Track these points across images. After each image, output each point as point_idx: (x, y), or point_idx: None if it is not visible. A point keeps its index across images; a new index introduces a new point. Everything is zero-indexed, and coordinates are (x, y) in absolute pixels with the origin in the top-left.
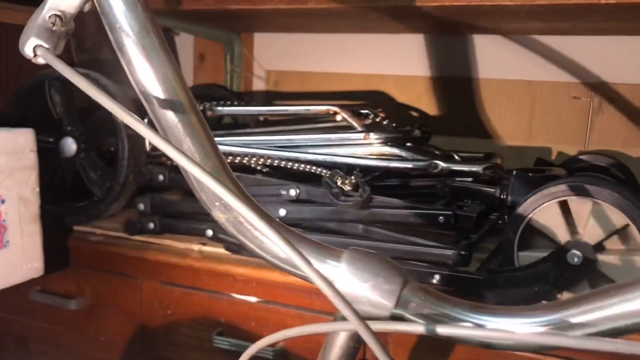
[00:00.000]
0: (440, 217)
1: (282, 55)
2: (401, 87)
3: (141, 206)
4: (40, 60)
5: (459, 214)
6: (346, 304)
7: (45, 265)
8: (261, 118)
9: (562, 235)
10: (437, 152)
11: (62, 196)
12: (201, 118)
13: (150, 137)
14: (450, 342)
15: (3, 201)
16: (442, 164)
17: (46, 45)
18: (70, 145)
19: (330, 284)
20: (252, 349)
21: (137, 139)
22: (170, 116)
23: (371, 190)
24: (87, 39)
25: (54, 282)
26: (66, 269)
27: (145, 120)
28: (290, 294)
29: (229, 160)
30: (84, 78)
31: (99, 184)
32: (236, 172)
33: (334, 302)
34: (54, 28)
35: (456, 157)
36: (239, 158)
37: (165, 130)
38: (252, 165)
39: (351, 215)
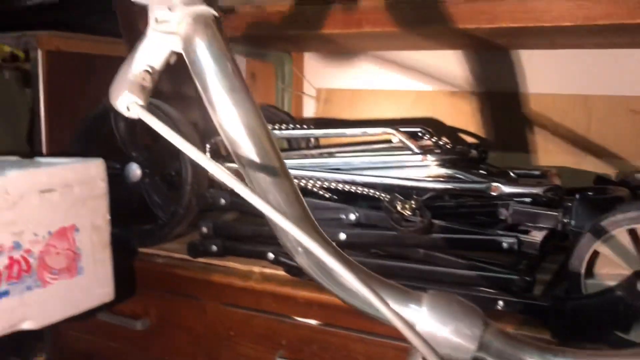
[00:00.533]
0: (504, 243)
1: (332, 73)
2: (452, 103)
3: (204, 229)
4: (133, 116)
5: (522, 240)
6: (430, 349)
7: (114, 289)
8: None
9: (632, 263)
10: (493, 171)
11: (128, 220)
12: (284, 165)
13: (240, 190)
14: None
15: (77, 230)
16: (502, 187)
17: (139, 102)
18: (135, 170)
19: (414, 330)
20: None
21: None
22: (256, 166)
23: (432, 214)
24: None
25: (121, 303)
26: (132, 288)
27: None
28: (351, 317)
29: None
30: (176, 134)
31: (162, 207)
32: None
33: (418, 347)
34: (144, 83)
35: (512, 175)
36: (295, 181)
37: (251, 178)
38: (309, 188)
39: (412, 240)
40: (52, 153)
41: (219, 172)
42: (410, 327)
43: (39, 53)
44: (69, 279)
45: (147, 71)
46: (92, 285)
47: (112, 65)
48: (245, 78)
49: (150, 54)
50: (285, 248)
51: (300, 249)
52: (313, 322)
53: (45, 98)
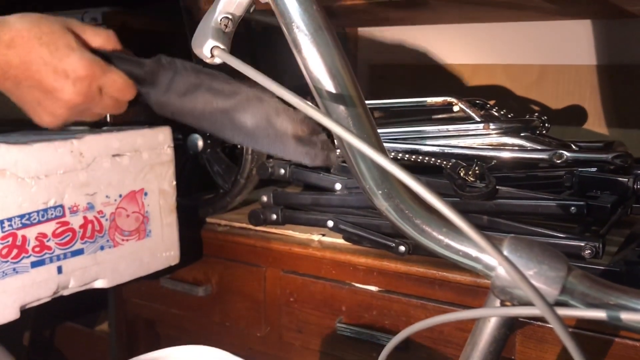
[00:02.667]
0: (572, 208)
1: (385, 48)
2: (510, 77)
3: (264, 198)
4: (217, 60)
5: (592, 204)
6: (533, 288)
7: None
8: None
9: None
10: (554, 141)
11: (190, 189)
12: (368, 111)
13: (324, 121)
14: (589, 337)
15: (146, 194)
16: (567, 154)
17: (222, 46)
18: (197, 141)
19: (515, 266)
20: (407, 331)
21: None
22: (341, 109)
23: (496, 180)
24: None
25: (183, 270)
26: (195, 255)
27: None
28: (411, 284)
29: None
30: (261, 74)
31: (223, 177)
32: None
33: (521, 286)
34: (225, 30)
35: (573, 147)
36: None
37: (332, 113)
38: None
39: (476, 206)
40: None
41: (302, 105)
42: (513, 265)
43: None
44: (138, 241)
45: (228, 18)
46: (159, 247)
47: (173, 42)
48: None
49: (230, 2)
50: (365, 191)
51: (381, 191)
52: (373, 288)
53: None
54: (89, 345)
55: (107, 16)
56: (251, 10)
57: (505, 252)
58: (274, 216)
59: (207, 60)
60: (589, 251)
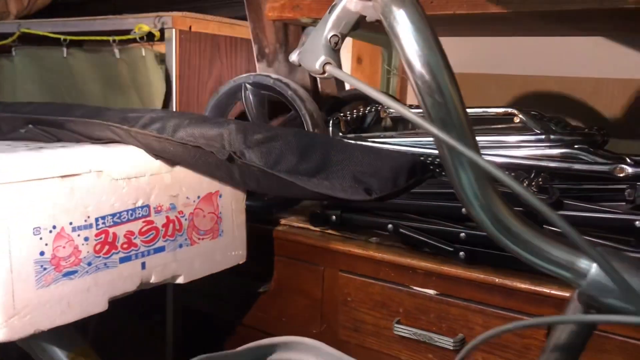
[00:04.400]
0: (637, 222)
1: None
2: (565, 89)
3: (324, 201)
4: (327, 75)
5: None
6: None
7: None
8: None
9: None
10: (609, 155)
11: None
12: (471, 125)
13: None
14: None
15: (220, 195)
16: (628, 168)
17: (333, 63)
18: None
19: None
20: (489, 334)
21: None
22: (446, 119)
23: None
24: (266, 47)
25: (245, 265)
26: (256, 252)
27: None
28: (470, 289)
29: None
30: (368, 86)
31: None
32: None
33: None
34: (335, 47)
35: (628, 160)
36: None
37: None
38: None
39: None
40: None
41: (412, 116)
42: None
43: (174, 32)
44: (212, 240)
45: (337, 36)
46: (229, 246)
47: (234, 46)
48: (350, 61)
49: (340, 22)
50: (461, 198)
51: (478, 202)
52: (431, 292)
53: (177, 74)
54: (146, 338)
55: (176, 20)
56: (355, 28)
57: (595, 264)
58: (334, 217)
59: (317, 75)
60: None
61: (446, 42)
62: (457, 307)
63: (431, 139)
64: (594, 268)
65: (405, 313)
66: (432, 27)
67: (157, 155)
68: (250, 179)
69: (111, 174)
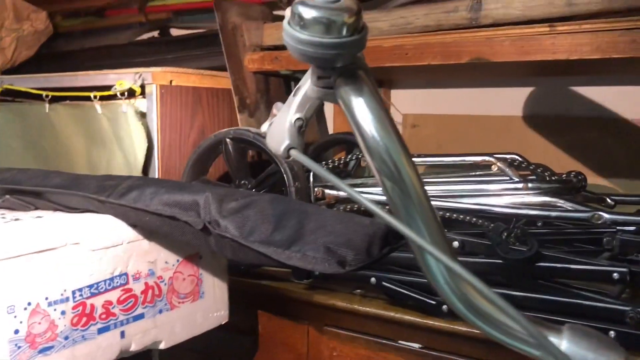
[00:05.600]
0: (615, 274)
1: (418, 99)
2: (541, 129)
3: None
4: (291, 160)
5: (634, 271)
6: None
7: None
8: None
9: None
10: (591, 196)
11: None
12: (435, 212)
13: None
14: None
15: (200, 257)
16: (605, 215)
17: (296, 147)
18: None
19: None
20: None
21: (303, 191)
22: (404, 210)
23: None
24: (247, 97)
25: (230, 320)
26: (240, 307)
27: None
28: (455, 342)
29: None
30: (332, 175)
31: None
32: None
33: None
34: (299, 131)
35: (609, 201)
36: None
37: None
38: None
39: (518, 269)
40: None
41: (365, 202)
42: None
43: (154, 87)
44: (192, 303)
45: (301, 119)
46: (211, 308)
47: (216, 96)
48: (333, 105)
49: (304, 105)
50: (427, 277)
51: (444, 281)
52: (416, 345)
53: (159, 129)
54: None
55: (156, 75)
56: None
57: (565, 341)
58: (317, 272)
59: (283, 159)
60: (634, 316)
61: (425, 85)
62: None
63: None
64: (563, 345)
65: None
66: (389, 113)
67: (133, 224)
68: (226, 249)
69: (88, 245)
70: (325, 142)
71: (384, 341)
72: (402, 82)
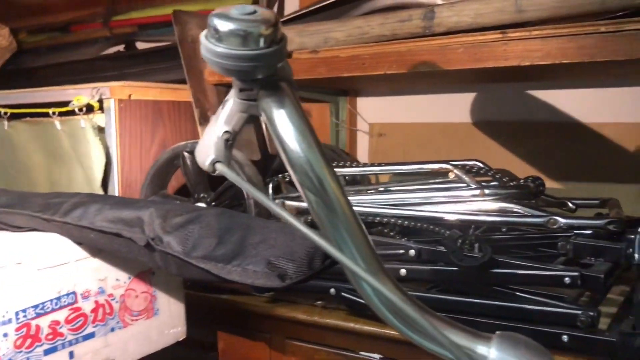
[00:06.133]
0: (566, 279)
1: (384, 108)
2: (505, 134)
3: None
4: (217, 173)
5: (585, 275)
6: None
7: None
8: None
9: None
10: (551, 200)
11: None
12: (358, 219)
13: (305, 233)
14: None
15: (153, 273)
16: (560, 220)
17: (222, 160)
18: None
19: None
20: None
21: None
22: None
23: (492, 249)
24: (209, 110)
25: (191, 337)
26: (201, 322)
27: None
28: (415, 352)
29: None
30: (257, 190)
31: None
32: None
33: None
34: (226, 145)
35: (570, 205)
36: None
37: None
38: (367, 223)
39: (472, 275)
40: (125, 195)
41: (285, 216)
42: None
43: (112, 102)
44: (146, 320)
45: (229, 132)
46: (167, 324)
47: (177, 110)
48: None
49: (231, 118)
50: (356, 287)
51: (374, 296)
52: (377, 356)
53: (118, 143)
54: None
55: (114, 90)
56: (246, 123)
57: (493, 349)
58: None
59: (210, 172)
60: (585, 320)
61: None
62: None
63: (373, 197)
64: (492, 354)
65: None
66: (311, 125)
67: (79, 242)
68: (171, 265)
69: (32, 265)
70: None
71: (344, 352)
72: (367, 90)
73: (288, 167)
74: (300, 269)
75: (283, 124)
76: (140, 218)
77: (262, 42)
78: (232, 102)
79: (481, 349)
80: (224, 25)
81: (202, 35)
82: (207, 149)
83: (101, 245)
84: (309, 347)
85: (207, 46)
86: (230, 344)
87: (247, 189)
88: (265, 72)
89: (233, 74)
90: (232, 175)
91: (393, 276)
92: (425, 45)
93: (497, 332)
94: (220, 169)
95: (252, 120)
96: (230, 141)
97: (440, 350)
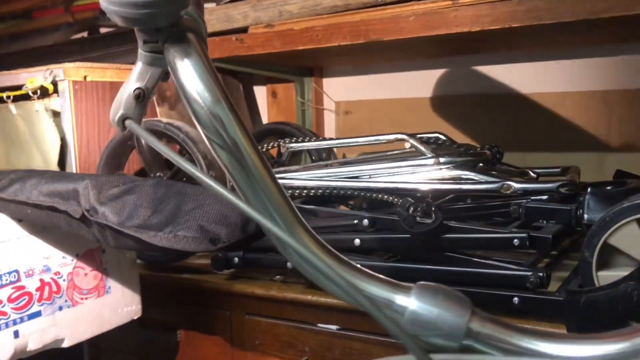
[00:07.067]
0: (515, 240)
1: (350, 86)
2: (472, 107)
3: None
4: (127, 131)
5: (533, 236)
6: (411, 340)
7: (142, 305)
8: (334, 149)
9: None
10: (512, 169)
11: None
12: (273, 175)
13: (228, 199)
14: None
15: (103, 251)
16: (514, 185)
17: (132, 117)
18: None
19: (397, 323)
20: None
21: (220, 179)
22: (243, 181)
23: (443, 216)
24: (167, 89)
25: (152, 316)
26: (161, 302)
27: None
28: (370, 321)
29: (304, 194)
30: (164, 145)
31: None
32: (312, 206)
33: (402, 341)
34: (138, 101)
35: (531, 174)
36: (313, 191)
37: (243, 190)
38: (326, 196)
39: (424, 242)
40: None
41: (207, 182)
42: (394, 323)
43: (67, 84)
44: (97, 298)
45: (141, 89)
46: (120, 303)
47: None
48: (266, 97)
49: (143, 75)
50: (276, 246)
51: (288, 249)
52: (334, 327)
53: (74, 125)
54: None
55: (68, 71)
56: (164, 80)
57: (413, 298)
58: (236, 260)
59: (119, 130)
60: (534, 281)
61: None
62: (358, 341)
63: (333, 170)
64: (411, 304)
65: (312, 352)
66: (219, 77)
67: (18, 219)
68: (108, 237)
69: None
70: (258, 132)
71: (303, 325)
72: (333, 70)
73: (196, 123)
74: (233, 232)
75: (188, 75)
76: (76, 190)
77: None
78: (139, 59)
79: (401, 299)
80: None
81: None
82: (117, 105)
83: (41, 221)
84: (268, 322)
85: None
86: (190, 322)
87: (160, 148)
88: (166, 21)
89: (132, 22)
90: (141, 132)
91: (312, 230)
92: (377, 14)
93: (418, 282)
94: (130, 125)
95: (167, 77)
96: (142, 98)
97: (359, 302)
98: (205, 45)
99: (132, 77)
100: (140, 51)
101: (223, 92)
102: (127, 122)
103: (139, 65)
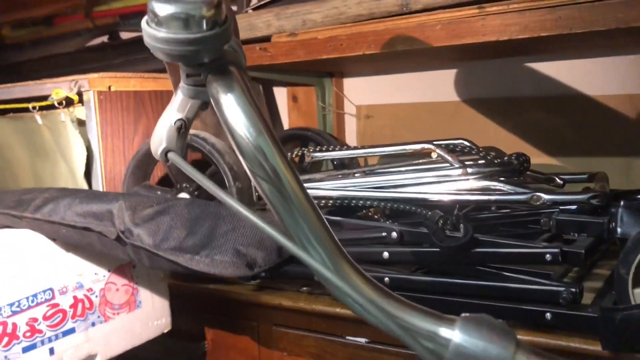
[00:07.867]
0: (547, 256)
1: (371, 89)
2: (495, 112)
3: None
4: (170, 164)
5: (566, 251)
6: None
7: (172, 318)
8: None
9: None
10: (538, 176)
11: None
12: (315, 207)
13: (266, 230)
14: None
15: (134, 267)
16: (544, 196)
17: (175, 150)
18: None
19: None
20: None
21: (245, 191)
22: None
23: (473, 229)
24: None
25: (179, 327)
26: (188, 312)
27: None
28: None
29: (329, 204)
30: (208, 180)
31: None
32: (338, 217)
33: None
34: (179, 133)
35: (558, 180)
36: (339, 201)
37: (282, 217)
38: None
39: (454, 256)
40: (109, 188)
41: (240, 209)
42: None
43: (92, 94)
44: (128, 313)
45: (182, 120)
46: (150, 317)
47: (160, 99)
48: (287, 101)
49: (183, 106)
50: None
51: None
52: (363, 340)
53: (99, 136)
54: None
55: (93, 82)
56: (203, 109)
57: (457, 331)
58: (263, 272)
59: (162, 162)
60: (566, 297)
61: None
62: (388, 355)
63: (358, 181)
64: (455, 337)
65: None
66: (260, 110)
67: (52, 238)
68: (142, 258)
69: (4, 263)
70: (279, 138)
71: (331, 338)
72: (353, 71)
73: (239, 156)
74: (270, 256)
75: (231, 109)
76: (110, 211)
77: (204, 25)
78: (180, 91)
79: (445, 331)
80: (163, 9)
81: (143, 21)
82: (159, 138)
83: (74, 240)
84: (296, 334)
85: (148, 32)
86: (218, 333)
87: (198, 178)
88: (210, 56)
89: (176, 59)
90: (183, 164)
91: (354, 261)
92: (402, 23)
93: (462, 314)
94: (172, 158)
95: (206, 107)
96: (183, 129)
97: (401, 334)
98: (246, 76)
99: (173, 107)
100: (182, 84)
101: (265, 124)
102: (170, 155)
103: (179, 96)
